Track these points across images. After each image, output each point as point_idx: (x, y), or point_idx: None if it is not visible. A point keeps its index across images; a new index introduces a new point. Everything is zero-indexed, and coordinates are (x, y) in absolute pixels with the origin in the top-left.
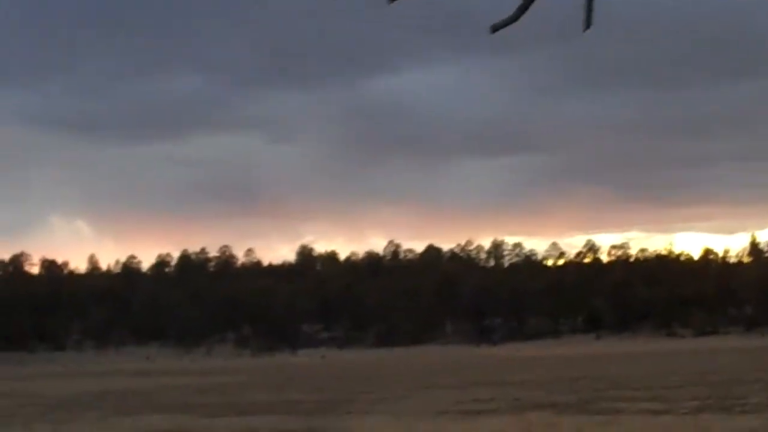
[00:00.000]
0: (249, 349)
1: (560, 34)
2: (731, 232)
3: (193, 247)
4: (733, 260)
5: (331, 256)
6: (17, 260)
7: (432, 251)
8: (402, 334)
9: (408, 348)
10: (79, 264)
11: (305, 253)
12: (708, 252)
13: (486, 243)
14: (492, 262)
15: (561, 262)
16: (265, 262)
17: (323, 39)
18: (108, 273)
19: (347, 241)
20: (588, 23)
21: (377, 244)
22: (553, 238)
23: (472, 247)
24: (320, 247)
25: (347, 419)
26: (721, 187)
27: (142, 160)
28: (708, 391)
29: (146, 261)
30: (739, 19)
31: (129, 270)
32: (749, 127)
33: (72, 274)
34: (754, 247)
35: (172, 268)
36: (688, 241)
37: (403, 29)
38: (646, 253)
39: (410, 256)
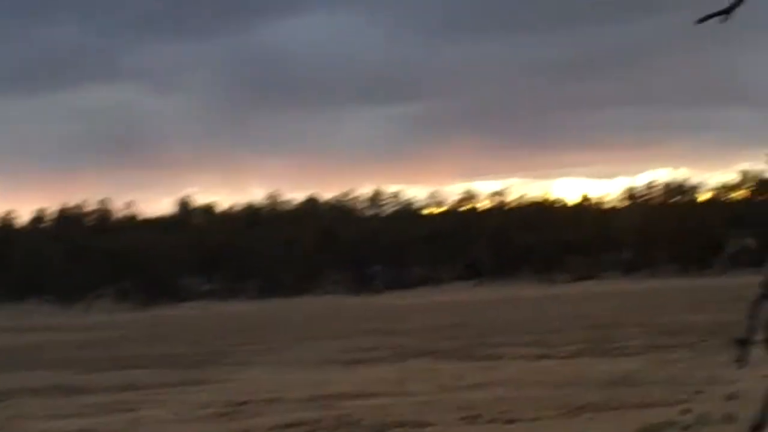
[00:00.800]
0: (129, 304)
1: None
2: (610, 176)
3: (72, 201)
4: (610, 205)
5: (211, 208)
6: None
7: (312, 201)
8: (283, 285)
9: (289, 299)
10: None
11: (185, 206)
12: (586, 198)
13: (367, 192)
14: (372, 211)
15: (441, 209)
16: (146, 215)
17: None
18: None
19: (229, 192)
20: None
21: (258, 194)
22: (433, 186)
23: (352, 197)
24: (202, 199)
25: (228, 371)
26: (599, 131)
27: (18, 114)
28: (587, 335)
29: (25, 217)
30: None
31: (5, 226)
32: (630, 70)
33: None
34: (631, 192)
35: (50, 223)
36: (567, 187)
37: None
38: (525, 200)
39: (290, 206)
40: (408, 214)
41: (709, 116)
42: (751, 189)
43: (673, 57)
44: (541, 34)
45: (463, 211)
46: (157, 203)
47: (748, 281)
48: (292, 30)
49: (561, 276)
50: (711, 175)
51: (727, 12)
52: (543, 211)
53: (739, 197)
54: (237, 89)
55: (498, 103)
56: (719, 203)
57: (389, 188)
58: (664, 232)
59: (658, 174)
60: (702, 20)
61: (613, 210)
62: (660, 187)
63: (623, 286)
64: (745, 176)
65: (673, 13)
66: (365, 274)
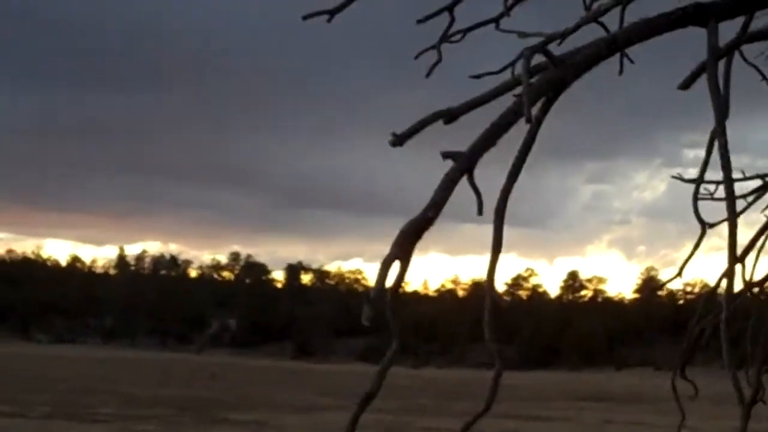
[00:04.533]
0: None
1: None
2: (101, 243)
3: None
4: (99, 270)
5: None
6: None
7: None
8: None
9: None
10: None
11: None
12: (75, 260)
13: None
14: None
15: None
16: None
17: None
18: None
19: None
20: None
21: None
22: None
23: None
24: None
25: None
26: (95, 196)
27: None
28: (61, 398)
29: None
30: (139, 28)
31: None
32: (131, 140)
33: None
34: (122, 260)
35: None
36: (58, 248)
37: None
38: (12, 255)
39: None
40: None
41: (205, 195)
42: (239, 271)
43: (175, 133)
44: (45, 96)
45: None
46: None
47: (225, 360)
48: None
49: (40, 336)
50: (202, 253)
51: (332, 12)
52: (28, 269)
53: (227, 278)
54: None
55: None
56: (207, 281)
57: None
58: (148, 303)
59: (150, 246)
60: (307, 17)
61: (102, 276)
62: (149, 259)
63: (102, 353)
64: (235, 258)
65: (176, 90)
66: None
